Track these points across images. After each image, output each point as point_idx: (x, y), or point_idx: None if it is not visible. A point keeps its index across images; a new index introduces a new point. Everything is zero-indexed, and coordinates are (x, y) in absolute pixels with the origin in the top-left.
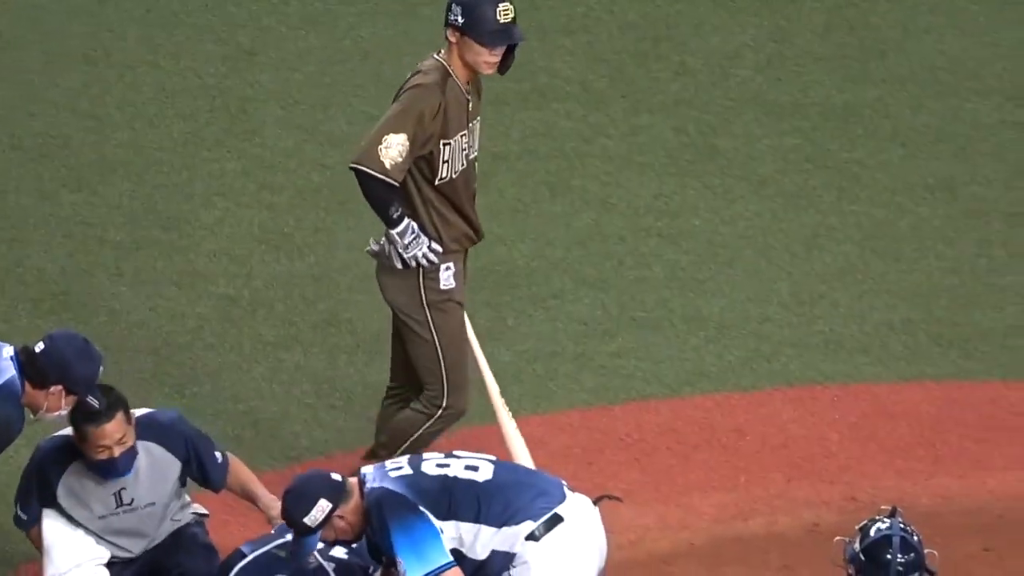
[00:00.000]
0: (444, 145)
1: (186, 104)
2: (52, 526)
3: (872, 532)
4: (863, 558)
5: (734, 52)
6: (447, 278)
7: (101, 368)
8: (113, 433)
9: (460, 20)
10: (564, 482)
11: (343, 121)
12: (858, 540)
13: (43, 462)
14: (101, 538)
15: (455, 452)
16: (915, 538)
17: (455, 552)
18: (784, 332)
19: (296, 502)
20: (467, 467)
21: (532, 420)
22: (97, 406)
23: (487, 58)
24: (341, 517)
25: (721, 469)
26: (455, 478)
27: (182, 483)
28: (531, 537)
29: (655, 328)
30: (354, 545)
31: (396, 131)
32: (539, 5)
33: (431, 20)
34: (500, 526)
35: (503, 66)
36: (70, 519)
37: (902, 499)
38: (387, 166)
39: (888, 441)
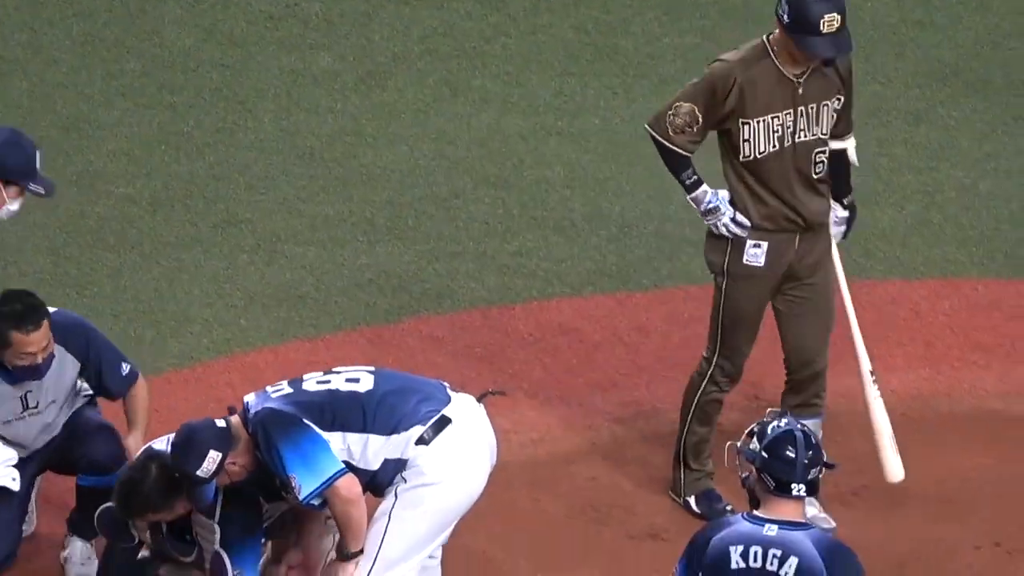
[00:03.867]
0: (743, 124)
1: (84, 3)
2: None
3: (770, 430)
4: (766, 455)
5: None
6: (753, 255)
7: (39, 154)
8: (40, 341)
9: (786, 19)
10: (446, 384)
11: (243, 20)
12: (756, 439)
13: None
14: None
15: (335, 368)
16: (813, 434)
17: (346, 464)
18: (685, 230)
19: (187, 457)
20: (348, 380)
21: (433, 320)
22: (44, 192)
23: (808, 57)
24: (233, 463)
25: (623, 368)
26: (336, 391)
27: (77, 382)
28: (421, 441)
29: (556, 228)
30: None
31: (686, 100)
32: None
33: None
34: (388, 434)
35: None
36: None
37: None
38: (670, 133)
39: None
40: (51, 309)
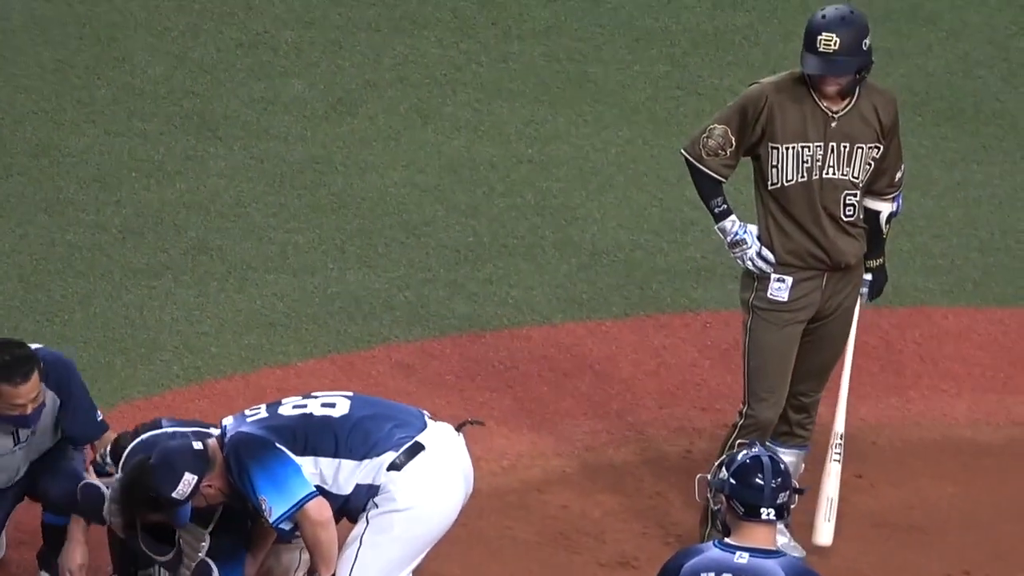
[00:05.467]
0: (772, 149)
1: (56, 32)
2: None
3: (739, 458)
4: (734, 482)
5: None
6: (777, 289)
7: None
8: (28, 393)
9: (804, 37)
10: (425, 412)
11: (213, 48)
12: (725, 468)
13: None
14: None
15: (313, 393)
16: (781, 460)
17: (319, 489)
18: (655, 259)
19: (163, 479)
20: (323, 404)
21: (403, 347)
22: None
23: (818, 83)
24: (209, 485)
25: (593, 396)
26: (310, 415)
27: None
28: (393, 467)
29: (527, 255)
30: None
31: (720, 121)
32: None
33: None
34: (361, 459)
35: (845, 90)
36: None
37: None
38: (703, 155)
39: None
40: (35, 346)
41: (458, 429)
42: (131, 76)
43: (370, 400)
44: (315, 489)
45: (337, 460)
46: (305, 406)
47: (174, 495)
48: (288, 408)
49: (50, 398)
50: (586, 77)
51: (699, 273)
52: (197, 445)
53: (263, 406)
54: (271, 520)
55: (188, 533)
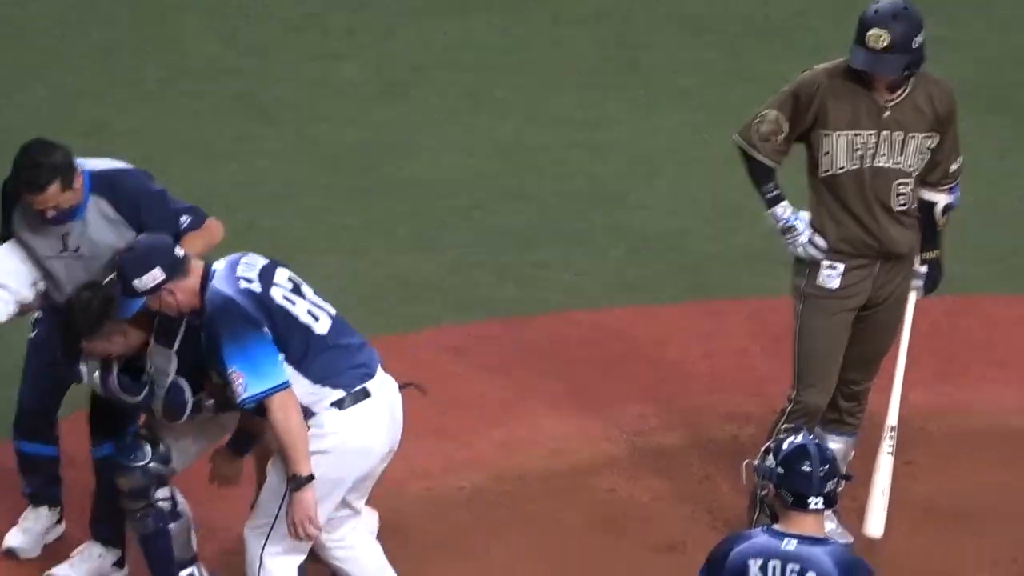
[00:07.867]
0: (824, 136)
1: (107, 11)
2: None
3: (785, 446)
4: (781, 471)
5: None
6: (828, 276)
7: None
8: (46, 202)
9: (856, 29)
10: (379, 359)
11: (264, 30)
12: (772, 456)
13: (7, 182)
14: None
15: (303, 289)
16: (827, 446)
17: None
18: (705, 245)
19: (132, 263)
20: (309, 312)
21: (453, 330)
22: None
23: (867, 76)
24: (171, 292)
25: (642, 381)
26: (296, 318)
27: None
28: (336, 404)
29: (577, 240)
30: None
31: (772, 107)
32: None
33: None
34: (316, 382)
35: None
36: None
37: None
38: (754, 141)
39: None
40: (112, 164)
41: (401, 388)
42: (182, 56)
43: (347, 329)
44: (288, 381)
45: (295, 372)
46: (294, 303)
47: (135, 283)
48: (280, 295)
49: (119, 222)
50: (637, 63)
51: (749, 259)
52: (179, 251)
53: (256, 276)
54: (241, 397)
55: (158, 355)
